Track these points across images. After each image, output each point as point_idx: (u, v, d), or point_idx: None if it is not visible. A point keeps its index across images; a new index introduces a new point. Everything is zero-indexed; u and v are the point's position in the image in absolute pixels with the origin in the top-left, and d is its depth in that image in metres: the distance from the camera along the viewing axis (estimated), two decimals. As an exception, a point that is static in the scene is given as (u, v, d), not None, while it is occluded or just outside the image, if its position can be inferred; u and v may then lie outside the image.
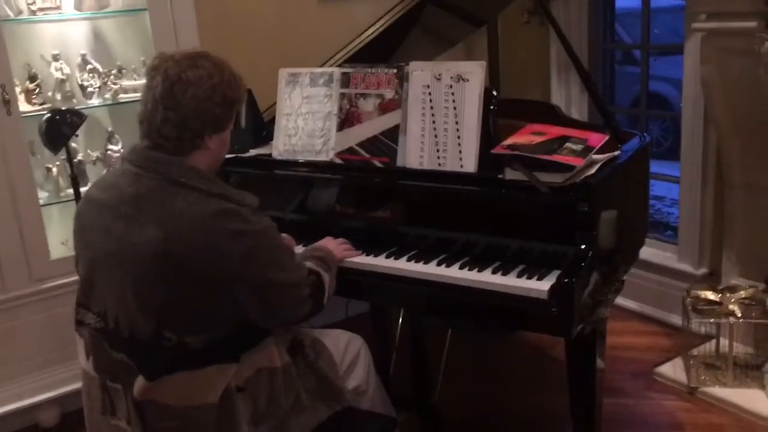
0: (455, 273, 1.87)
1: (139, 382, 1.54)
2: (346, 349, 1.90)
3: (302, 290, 1.65)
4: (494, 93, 1.97)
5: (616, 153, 1.97)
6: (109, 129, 2.85)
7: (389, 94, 2.12)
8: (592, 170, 1.80)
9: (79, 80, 2.73)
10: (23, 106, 2.61)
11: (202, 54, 1.61)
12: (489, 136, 1.97)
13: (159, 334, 1.51)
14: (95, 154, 2.83)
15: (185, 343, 1.52)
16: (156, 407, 1.55)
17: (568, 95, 3.68)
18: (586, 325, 1.79)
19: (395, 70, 2.12)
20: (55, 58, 2.68)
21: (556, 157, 1.74)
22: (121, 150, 2.84)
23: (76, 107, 2.67)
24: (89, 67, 2.73)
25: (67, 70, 2.70)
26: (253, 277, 1.55)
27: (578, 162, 1.73)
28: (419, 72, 2.07)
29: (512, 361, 3.02)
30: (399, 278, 1.94)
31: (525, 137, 1.88)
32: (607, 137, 1.92)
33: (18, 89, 2.60)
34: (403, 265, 1.96)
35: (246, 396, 1.59)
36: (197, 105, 1.55)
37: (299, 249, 2.10)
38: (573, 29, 3.56)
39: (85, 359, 1.64)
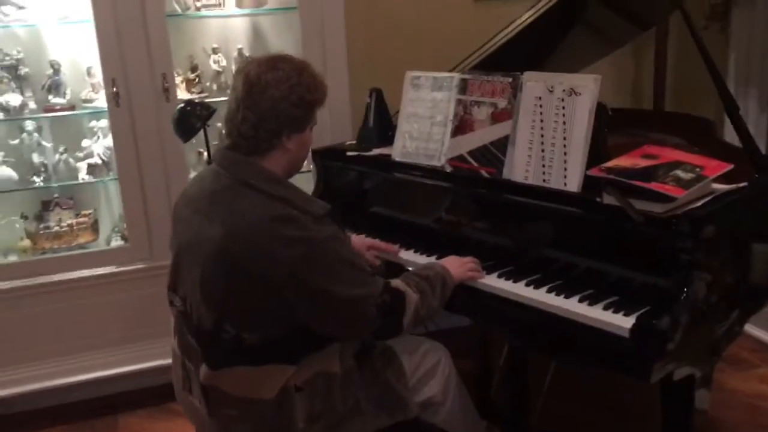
0: (541, 296, 1.78)
1: (203, 368, 1.64)
2: (422, 359, 1.88)
3: (365, 308, 1.60)
4: (608, 109, 1.85)
5: (743, 185, 1.76)
6: (258, 119, 3.03)
7: (502, 103, 2.06)
8: (701, 202, 1.63)
9: (234, 72, 2.93)
10: (183, 94, 2.86)
11: (284, 57, 1.67)
12: (599, 154, 1.85)
13: (219, 326, 1.59)
14: (243, 142, 3.02)
15: (242, 338, 1.58)
16: (218, 393, 1.64)
17: (744, 111, 3.31)
18: (676, 371, 1.63)
19: (510, 79, 2.05)
20: (215, 51, 2.91)
21: (653, 185, 1.59)
22: (267, 139, 3.02)
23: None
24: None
25: (223, 63, 2.92)
26: (306, 285, 1.54)
27: (678, 192, 1.57)
28: (532, 83, 1.98)
29: (627, 392, 2.80)
30: (484, 294, 1.89)
31: (632, 159, 1.74)
32: (729, 167, 1.72)
33: (180, 78, 2.86)
34: (492, 281, 1.90)
35: (303, 396, 1.62)
36: (273, 105, 1.59)
37: (408, 254, 2.14)
38: (757, 36, 3.20)
39: (173, 337, 1.78)
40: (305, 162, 1.80)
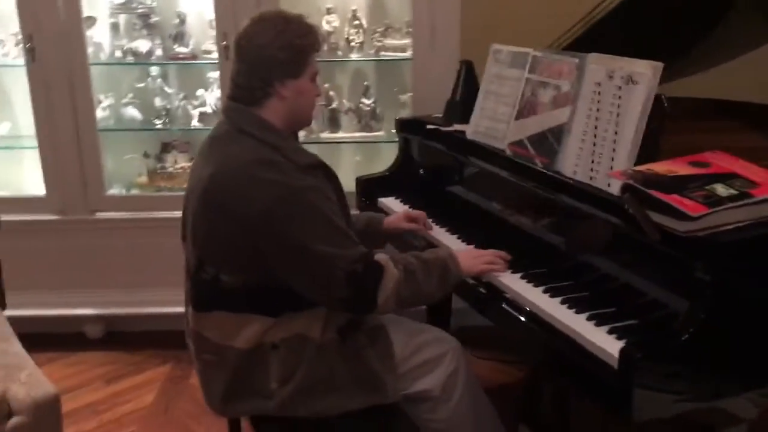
0: (550, 308, 1.59)
1: (190, 309, 1.70)
2: (422, 348, 1.77)
3: (332, 269, 1.54)
4: (666, 103, 1.58)
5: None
6: (365, 83, 3.00)
7: (566, 86, 1.84)
8: (735, 225, 1.34)
9: (345, 34, 2.93)
10: (293, 52, 2.89)
11: (274, 11, 1.70)
12: (650, 155, 1.60)
13: (201, 266, 1.63)
14: (348, 105, 3.02)
15: (220, 280, 1.60)
16: (200, 338, 1.69)
17: None
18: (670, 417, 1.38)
19: (577, 60, 1.82)
20: (329, 11, 2.91)
21: (672, 198, 1.33)
22: (373, 104, 2.98)
23: (338, 59, 2.91)
24: (356, 23, 2.90)
25: (335, 24, 2.91)
26: (276, 230, 1.53)
27: (696, 210, 1.30)
28: (595, 66, 1.75)
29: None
30: (497, 291, 1.74)
31: (674, 165, 1.48)
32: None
33: (293, 37, 2.90)
34: (508, 280, 1.74)
35: (278, 354, 1.62)
36: (260, 52, 1.61)
37: (440, 232, 2.03)
38: None
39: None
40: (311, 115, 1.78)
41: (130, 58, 2.94)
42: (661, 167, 1.47)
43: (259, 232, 1.54)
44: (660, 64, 1.57)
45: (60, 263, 3.01)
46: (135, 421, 2.57)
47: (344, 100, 3.04)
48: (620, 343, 1.40)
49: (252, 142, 1.60)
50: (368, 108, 2.98)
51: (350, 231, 1.62)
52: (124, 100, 3.02)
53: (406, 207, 2.32)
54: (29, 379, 1.98)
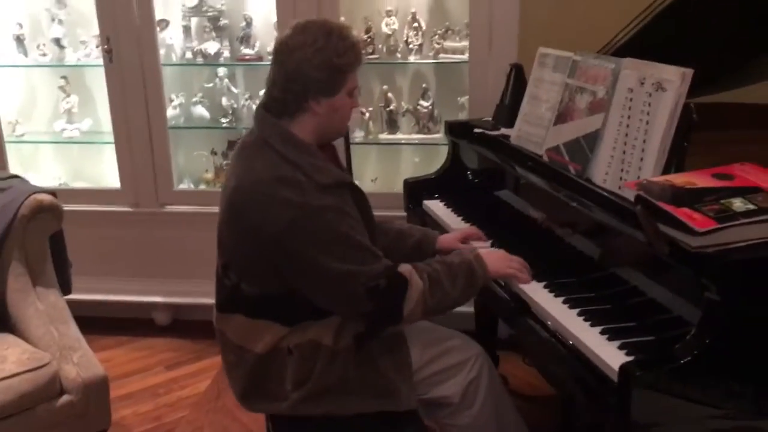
0: (565, 318, 1.56)
1: (214, 309, 1.76)
2: (443, 355, 1.77)
3: (353, 286, 1.55)
4: (693, 112, 1.51)
5: None
6: (424, 85, 3.00)
7: (601, 92, 1.80)
8: (748, 242, 1.27)
9: (404, 36, 2.94)
10: (353, 55, 2.94)
11: (318, 20, 1.66)
12: (678, 165, 1.54)
13: (225, 272, 1.68)
14: (407, 106, 3.04)
15: (241, 287, 1.65)
16: (224, 338, 1.74)
17: None
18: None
19: (612, 66, 1.77)
20: (388, 14, 2.93)
21: (680, 211, 1.28)
22: (431, 107, 2.99)
23: (397, 61, 2.93)
24: (415, 25, 2.91)
25: (394, 26, 2.93)
26: (293, 249, 1.54)
27: (703, 224, 1.24)
28: (628, 72, 1.70)
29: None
30: (520, 301, 1.71)
31: (695, 177, 1.42)
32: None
33: (353, 39, 2.95)
34: (530, 288, 1.71)
35: (293, 360, 1.65)
36: (297, 68, 1.58)
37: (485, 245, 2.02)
38: None
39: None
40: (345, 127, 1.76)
41: (199, 59, 3.07)
42: (680, 179, 1.41)
43: (277, 250, 1.56)
44: (690, 71, 1.51)
45: (132, 252, 3.18)
46: (188, 406, 2.69)
47: (402, 102, 3.06)
48: (626, 359, 1.37)
49: (275, 157, 1.60)
50: (426, 110, 2.99)
51: (373, 246, 1.61)
52: (194, 99, 3.15)
53: (449, 210, 2.32)
54: (81, 361, 2.12)
